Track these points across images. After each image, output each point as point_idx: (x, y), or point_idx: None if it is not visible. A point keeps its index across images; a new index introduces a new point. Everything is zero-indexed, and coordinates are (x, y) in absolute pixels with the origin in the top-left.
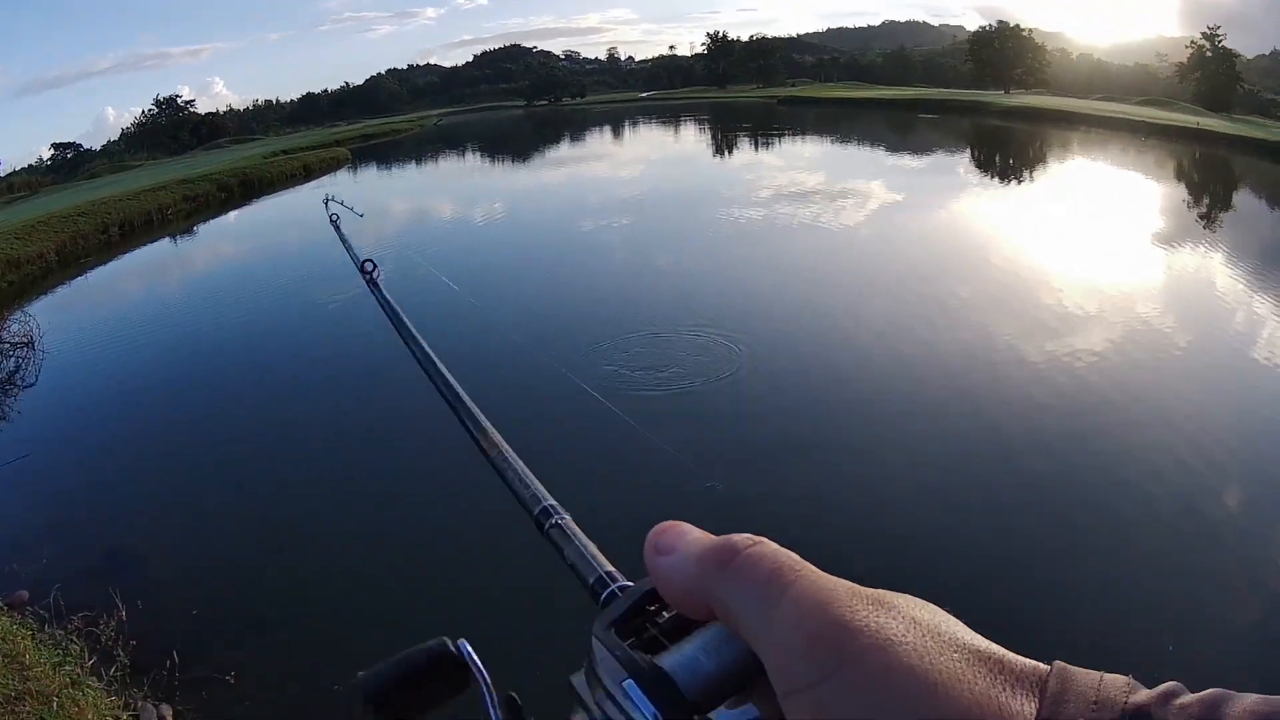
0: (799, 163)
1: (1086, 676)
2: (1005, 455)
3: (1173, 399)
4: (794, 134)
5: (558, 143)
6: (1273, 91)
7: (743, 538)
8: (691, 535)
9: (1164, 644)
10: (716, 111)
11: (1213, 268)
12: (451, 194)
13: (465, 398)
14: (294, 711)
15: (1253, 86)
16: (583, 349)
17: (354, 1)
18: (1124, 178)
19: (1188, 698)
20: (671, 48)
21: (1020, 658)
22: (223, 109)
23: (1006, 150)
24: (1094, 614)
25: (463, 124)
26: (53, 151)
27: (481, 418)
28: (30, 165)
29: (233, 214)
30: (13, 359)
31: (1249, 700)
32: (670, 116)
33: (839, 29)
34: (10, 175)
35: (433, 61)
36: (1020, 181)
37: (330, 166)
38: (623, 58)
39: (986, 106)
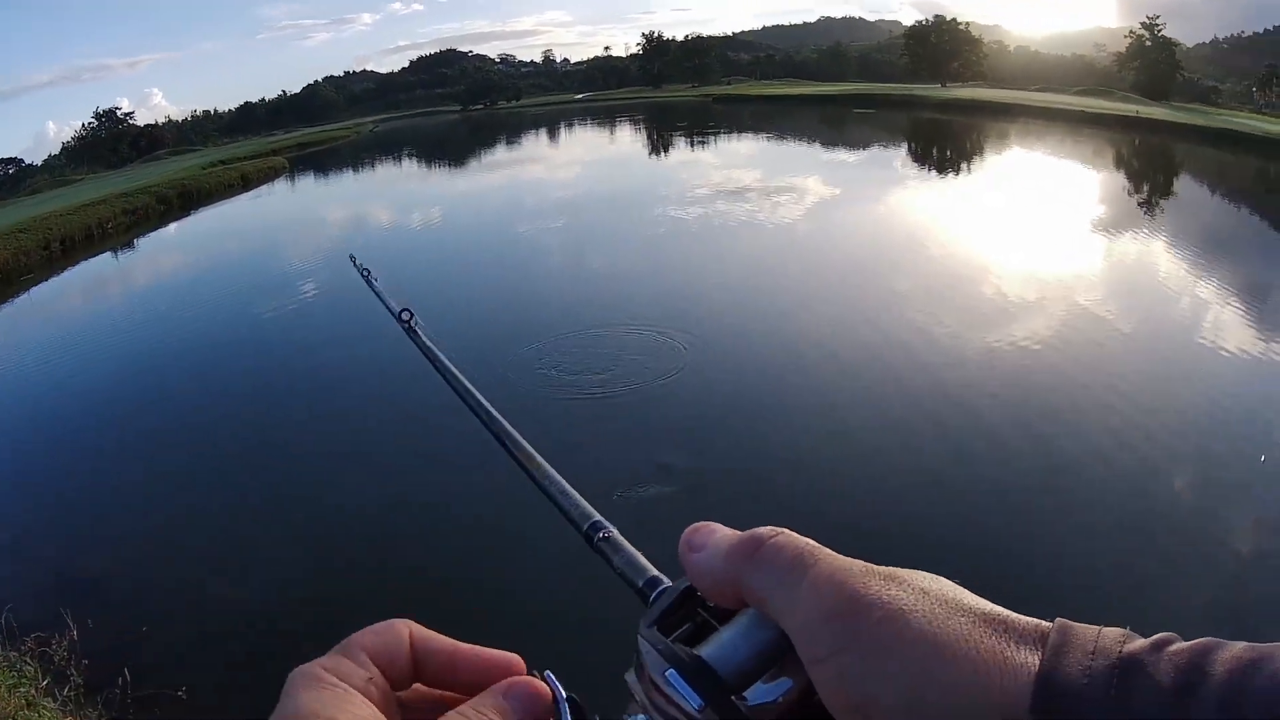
0: (735, 160)
1: (1086, 630)
2: (941, 434)
3: (1115, 381)
4: (730, 132)
5: (493, 146)
6: (1214, 79)
7: (766, 530)
8: (720, 532)
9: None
10: (652, 111)
11: (1154, 251)
12: (388, 200)
13: (510, 428)
14: None
15: (1193, 74)
16: (522, 352)
17: (291, 9)
18: (1063, 167)
19: (1178, 645)
20: (607, 49)
21: (1024, 617)
22: (162, 120)
23: (944, 143)
24: (1049, 586)
25: (399, 130)
26: None
27: (527, 445)
28: None
29: (172, 226)
30: None
31: (1237, 648)
32: (606, 117)
33: (775, 27)
34: None
35: (369, 68)
36: (958, 173)
37: (268, 176)
38: (558, 60)
39: (923, 100)
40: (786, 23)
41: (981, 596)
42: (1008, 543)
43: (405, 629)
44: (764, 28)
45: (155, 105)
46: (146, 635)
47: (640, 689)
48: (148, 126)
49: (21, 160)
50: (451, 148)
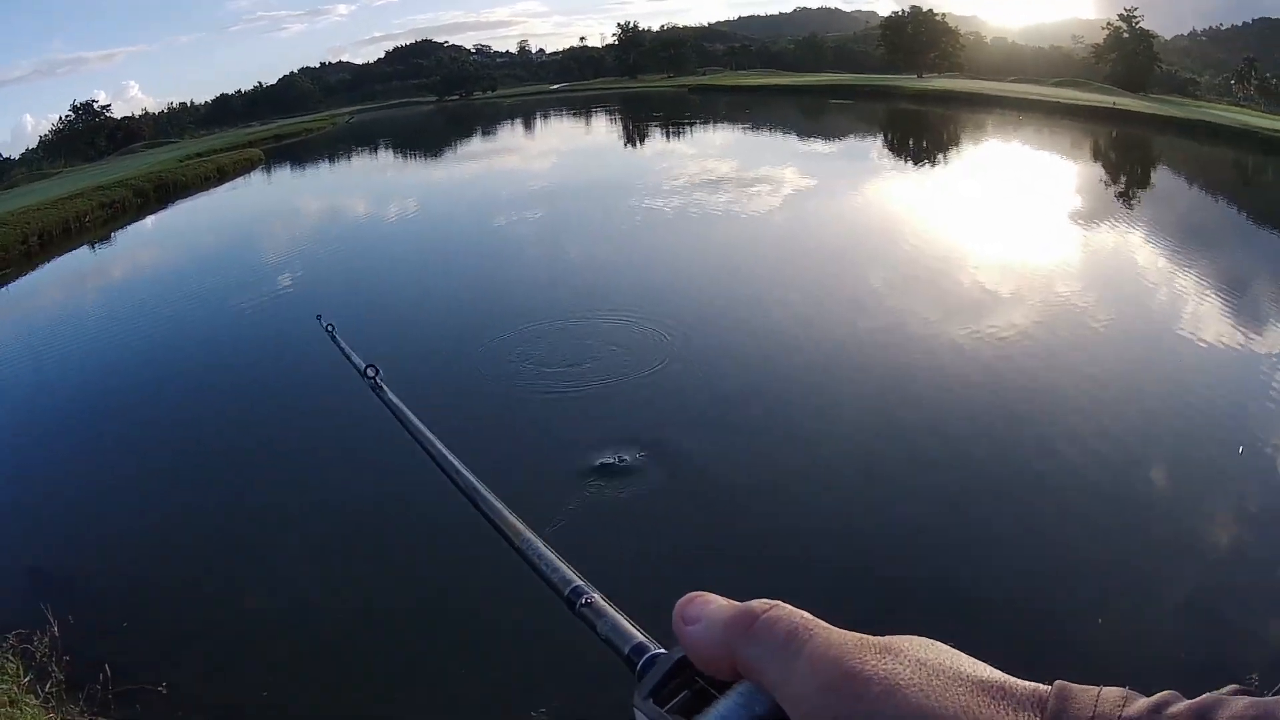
0: (711, 150)
1: (1085, 692)
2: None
3: (1095, 371)
4: (706, 122)
5: (469, 137)
6: (1192, 72)
7: (760, 603)
8: (715, 604)
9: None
10: (628, 102)
11: (1132, 241)
12: (364, 192)
13: (483, 490)
14: None
15: (1172, 66)
16: (499, 342)
17: (265, 0)
18: (1039, 158)
19: (1180, 706)
20: (582, 39)
21: (1022, 682)
22: (139, 112)
23: (920, 133)
24: (1038, 585)
25: (374, 121)
26: None
27: (502, 508)
28: None
29: (149, 219)
30: None
31: (1239, 705)
32: (582, 108)
33: (750, 17)
34: None
35: (344, 59)
36: (935, 164)
37: (244, 168)
38: (534, 50)
39: (899, 90)
40: (762, 13)
41: (965, 585)
42: (1000, 525)
43: None
44: (739, 18)
45: (132, 97)
46: (128, 631)
47: None
48: (125, 119)
49: None
50: (428, 139)
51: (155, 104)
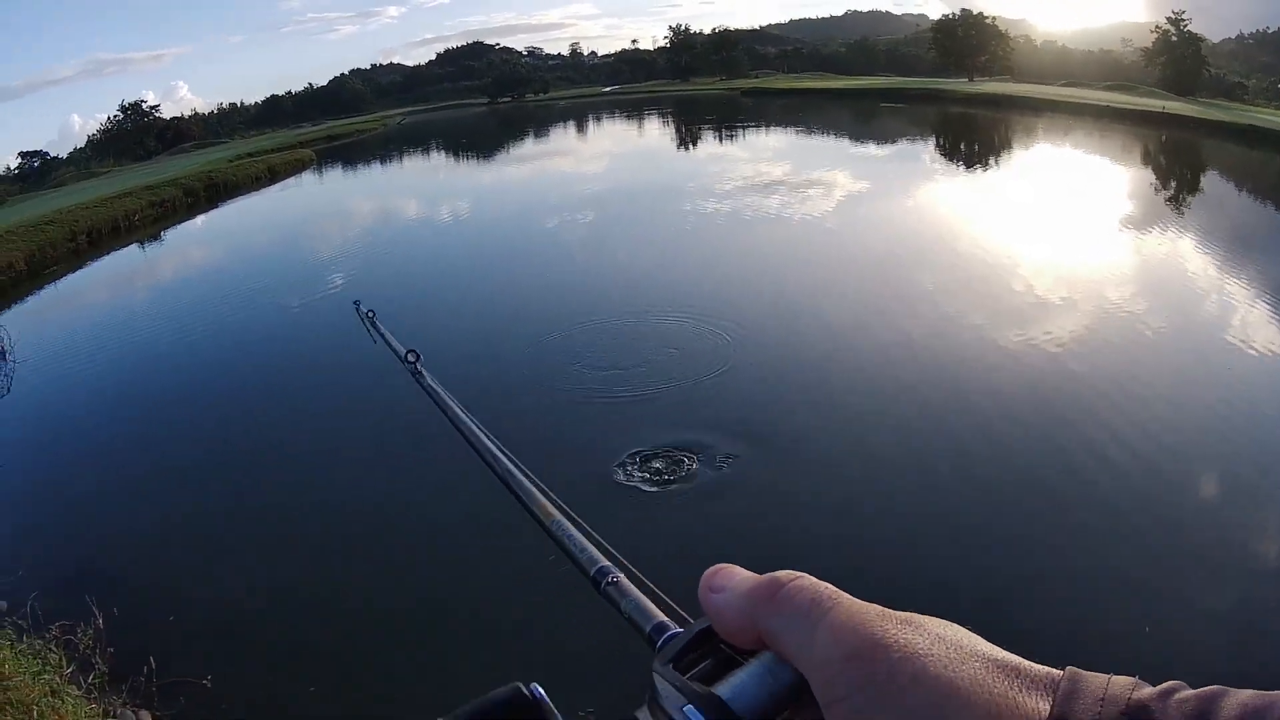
0: (764, 154)
1: (1096, 678)
2: (987, 438)
3: (1151, 382)
4: (759, 125)
5: (521, 139)
6: (1239, 75)
7: (785, 574)
8: (740, 575)
9: (1141, 625)
10: (680, 104)
11: (1184, 250)
12: (415, 193)
13: (518, 472)
14: (270, 715)
15: (1219, 70)
16: (554, 340)
17: (316, 2)
18: (1091, 162)
19: (1186, 693)
20: (634, 42)
21: (1036, 665)
22: (187, 113)
23: (971, 137)
24: (1080, 597)
25: (426, 122)
26: (20, 160)
27: (535, 490)
28: None
29: (199, 218)
30: None
31: (1244, 695)
32: (634, 110)
33: (801, 20)
34: None
35: (395, 60)
36: (987, 168)
37: (296, 168)
38: (585, 53)
39: (950, 94)
40: (814, 15)
41: (1011, 594)
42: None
43: None
44: (790, 20)
45: (181, 98)
46: (172, 625)
47: None
48: (174, 119)
49: (46, 153)
50: (481, 140)
51: (205, 105)
